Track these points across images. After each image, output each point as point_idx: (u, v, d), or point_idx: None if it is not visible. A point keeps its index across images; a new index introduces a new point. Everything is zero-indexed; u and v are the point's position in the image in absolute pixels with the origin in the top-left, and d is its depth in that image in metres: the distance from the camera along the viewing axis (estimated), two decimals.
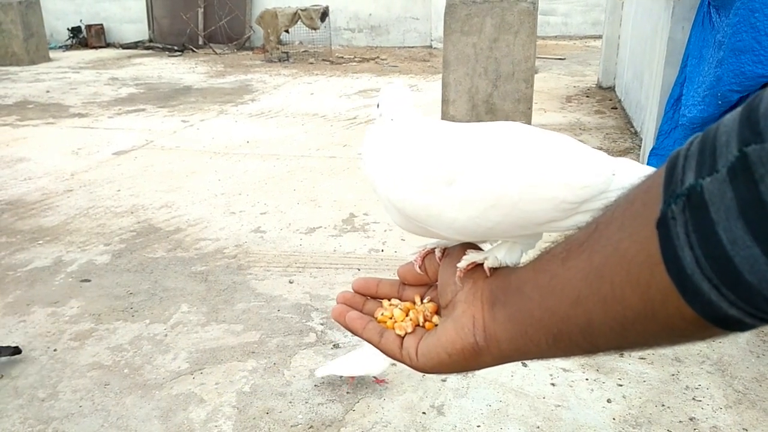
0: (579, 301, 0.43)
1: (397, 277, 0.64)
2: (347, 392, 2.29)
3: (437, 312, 0.59)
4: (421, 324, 0.58)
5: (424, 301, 0.61)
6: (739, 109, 0.35)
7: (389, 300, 0.62)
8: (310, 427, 2.13)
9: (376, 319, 0.61)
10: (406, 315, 0.59)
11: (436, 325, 0.57)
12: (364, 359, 2.21)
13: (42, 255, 3.44)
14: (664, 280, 0.37)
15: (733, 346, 2.51)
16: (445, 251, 0.60)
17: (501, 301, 0.51)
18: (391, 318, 0.60)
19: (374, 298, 0.64)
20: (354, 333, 0.61)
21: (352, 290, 0.65)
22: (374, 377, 2.31)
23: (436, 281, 0.60)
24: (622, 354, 2.46)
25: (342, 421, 2.16)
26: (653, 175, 0.40)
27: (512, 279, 0.52)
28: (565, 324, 0.45)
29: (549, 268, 0.47)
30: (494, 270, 0.55)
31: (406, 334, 0.58)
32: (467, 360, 0.53)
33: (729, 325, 0.36)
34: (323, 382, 2.34)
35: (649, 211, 0.38)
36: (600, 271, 0.42)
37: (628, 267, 0.39)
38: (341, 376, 2.33)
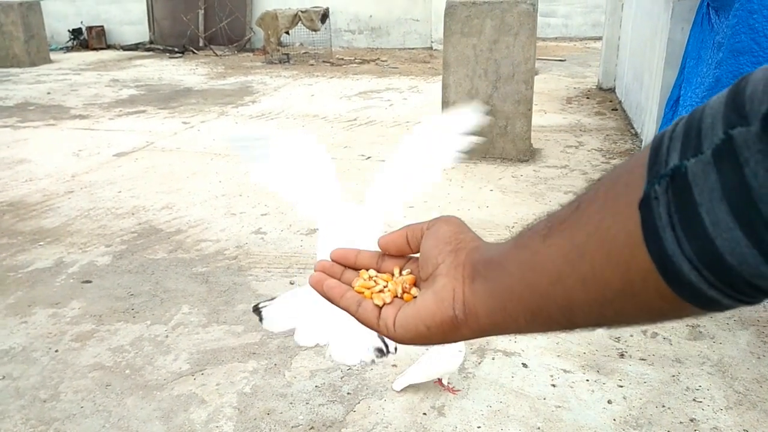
0: (559, 280, 0.43)
1: (378, 248, 0.63)
2: (348, 393, 2.30)
3: (415, 284, 0.58)
4: (399, 295, 0.57)
5: (403, 273, 0.60)
6: (725, 92, 0.35)
7: (367, 270, 0.61)
8: (311, 428, 2.14)
9: (353, 288, 0.60)
10: (385, 286, 0.58)
11: (415, 297, 0.56)
12: (435, 361, 2.19)
13: (43, 256, 3.45)
14: (644, 261, 0.37)
15: (734, 347, 2.51)
16: (429, 224, 0.59)
17: (482, 275, 0.51)
18: (369, 288, 0.59)
19: (353, 268, 0.63)
20: (331, 301, 0.60)
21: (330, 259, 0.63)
22: (447, 384, 2.27)
23: (418, 251, 0.59)
24: (622, 355, 2.46)
25: (343, 422, 2.16)
26: (638, 155, 0.40)
27: (494, 254, 0.51)
28: (545, 301, 0.45)
29: (530, 244, 0.47)
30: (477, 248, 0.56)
31: (384, 304, 0.57)
32: (445, 333, 0.53)
33: (708, 305, 0.36)
34: (324, 383, 2.35)
35: (632, 191, 0.38)
36: (581, 249, 0.41)
37: (609, 247, 0.39)
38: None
